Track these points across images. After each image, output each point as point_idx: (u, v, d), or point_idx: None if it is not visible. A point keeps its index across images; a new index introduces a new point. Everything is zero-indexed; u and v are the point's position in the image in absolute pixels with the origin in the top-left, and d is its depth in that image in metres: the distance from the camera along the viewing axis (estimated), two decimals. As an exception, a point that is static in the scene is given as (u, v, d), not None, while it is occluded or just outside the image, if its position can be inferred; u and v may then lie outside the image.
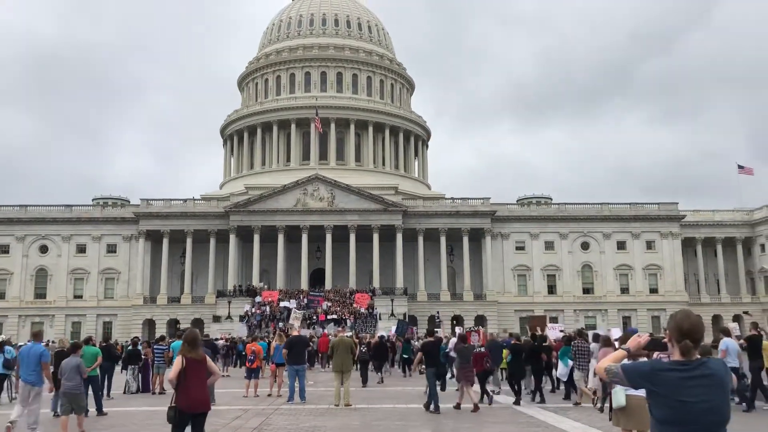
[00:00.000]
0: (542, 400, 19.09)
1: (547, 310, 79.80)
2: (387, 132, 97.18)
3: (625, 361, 4.15)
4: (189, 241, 78.06)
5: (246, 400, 20.93)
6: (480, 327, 56.78)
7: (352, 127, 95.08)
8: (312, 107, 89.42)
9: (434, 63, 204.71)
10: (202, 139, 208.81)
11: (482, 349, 20.28)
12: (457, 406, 17.68)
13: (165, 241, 78.00)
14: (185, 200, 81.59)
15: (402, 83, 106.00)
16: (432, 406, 17.10)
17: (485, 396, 18.70)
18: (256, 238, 77.14)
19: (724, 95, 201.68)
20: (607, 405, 13.08)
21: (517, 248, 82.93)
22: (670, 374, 3.76)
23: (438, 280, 79.30)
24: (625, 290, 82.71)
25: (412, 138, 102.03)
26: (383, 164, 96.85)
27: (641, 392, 9.26)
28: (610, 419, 10.02)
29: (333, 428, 14.53)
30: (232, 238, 78.11)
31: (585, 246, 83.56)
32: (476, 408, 17.03)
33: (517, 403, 18.47)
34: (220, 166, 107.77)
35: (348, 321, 61.62)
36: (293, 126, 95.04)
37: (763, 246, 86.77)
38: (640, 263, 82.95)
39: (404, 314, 69.77)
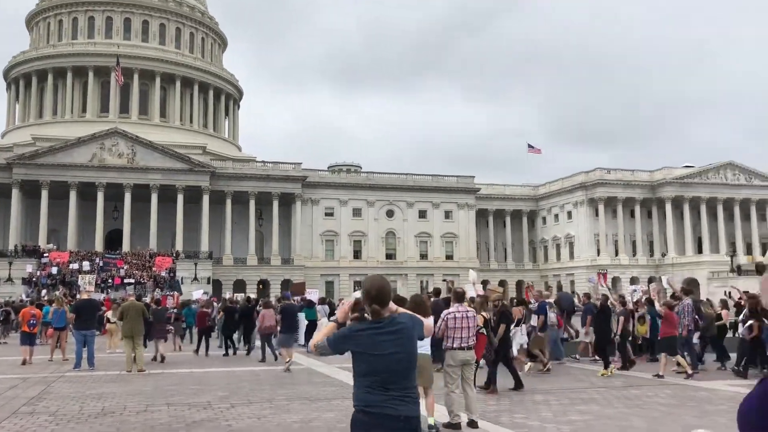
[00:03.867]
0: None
1: (352, 274, 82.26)
2: (196, 88, 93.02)
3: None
4: (-38, 195, 69.41)
5: (26, 368, 19.18)
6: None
7: (158, 80, 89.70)
8: (113, 55, 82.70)
9: (254, 22, 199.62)
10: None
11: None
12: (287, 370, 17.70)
13: (-69, 194, 68.62)
14: (-42, 148, 72.17)
15: (214, 38, 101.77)
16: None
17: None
18: (44, 194, 70.53)
19: (526, 78, 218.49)
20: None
21: (327, 214, 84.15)
22: (366, 333, 4.23)
23: (246, 245, 78.16)
24: (424, 256, 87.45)
25: (223, 96, 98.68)
26: (191, 122, 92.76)
27: (426, 350, 9.80)
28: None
29: (122, 394, 13.76)
30: (15, 192, 70.67)
31: (390, 214, 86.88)
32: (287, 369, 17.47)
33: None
34: (2, 112, 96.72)
35: (147, 285, 58.75)
36: (91, 74, 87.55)
37: (544, 219, 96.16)
38: (439, 231, 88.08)
39: (208, 278, 68.01)
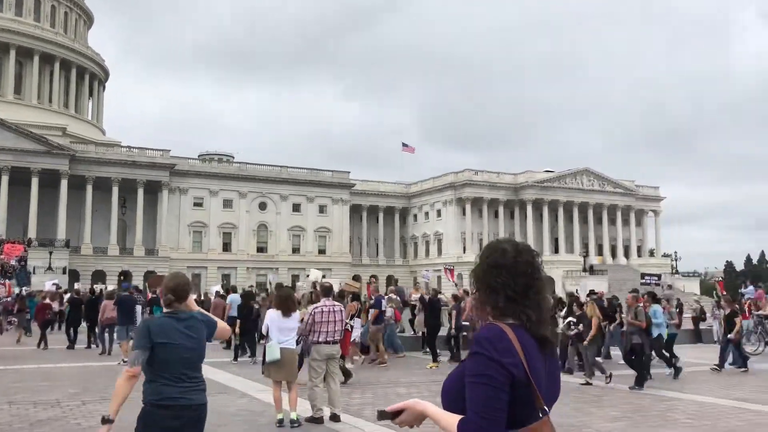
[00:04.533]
0: None
1: (221, 267, 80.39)
2: (57, 65, 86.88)
3: None
4: None
5: None
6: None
7: (13, 53, 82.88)
8: (-39, 23, 75.53)
9: (126, 1, 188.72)
10: None
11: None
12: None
13: None
14: None
15: (79, 14, 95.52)
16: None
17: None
18: None
19: (404, 79, 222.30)
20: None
21: (195, 204, 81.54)
22: (165, 322, 4.39)
23: (107, 234, 74.12)
24: (296, 250, 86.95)
25: (87, 76, 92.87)
26: (50, 101, 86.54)
27: (292, 345, 9.75)
28: (263, 372, 10.33)
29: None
30: None
31: (263, 206, 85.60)
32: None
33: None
34: None
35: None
36: (-67, 42, 79.56)
37: (416, 216, 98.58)
38: (313, 225, 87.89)
39: (64, 268, 63.88)
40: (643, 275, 24.55)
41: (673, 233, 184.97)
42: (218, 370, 16.03)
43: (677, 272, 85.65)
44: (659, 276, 23.56)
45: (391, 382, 14.44)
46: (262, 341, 12.63)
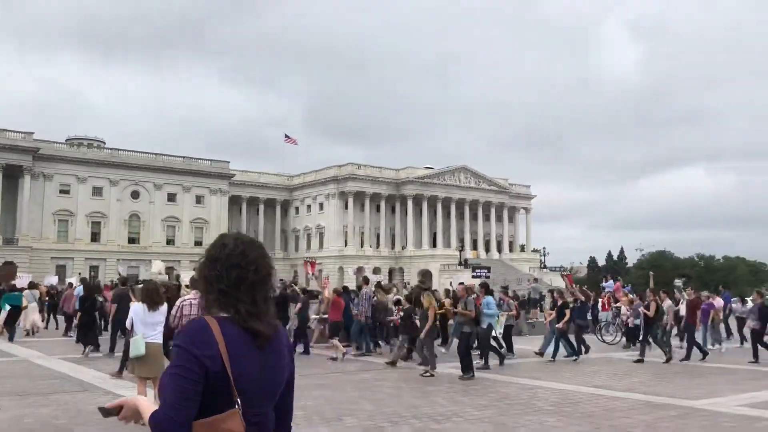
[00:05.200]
0: None
1: (89, 258, 76.20)
2: None
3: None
4: None
5: None
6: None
7: None
8: None
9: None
10: None
11: None
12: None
13: None
14: None
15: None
16: None
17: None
18: None
19: (288, 69, 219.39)
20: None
21: (62, 191, 76.64)
22: None
23: (-42, 220, 68.14)
24: (171, 242, 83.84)
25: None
26: None
27: (158, 339, 9.30)
28: (126, 368, 9.80)
29: None
30: None
31: (135, 195, 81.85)
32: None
33: None
34: None
35: None
36: None
37: (297, 209, 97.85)
38: (189, 216, 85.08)
39: None
40: (473, 268, 25.63)
41: (542, 230, 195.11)
42: (80, 367, 15.12)
43: (545, 267, 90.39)
44: (488, 268, 24.66)
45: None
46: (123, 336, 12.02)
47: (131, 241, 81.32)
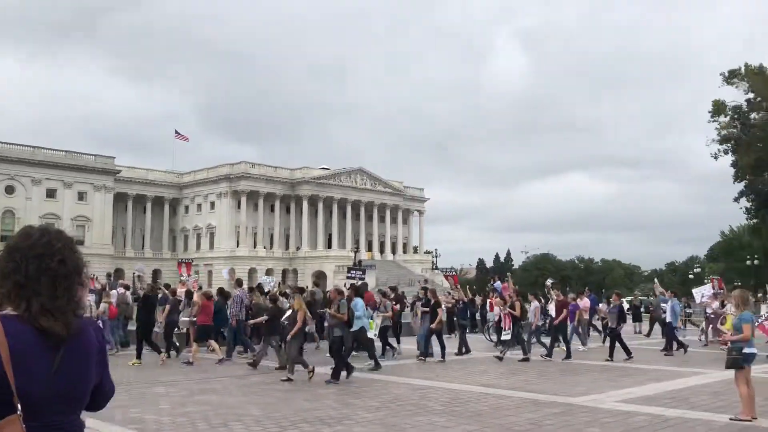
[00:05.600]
0: None
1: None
2: None
3: None
4: None
5: None
6: None
7: None
8: None
9: None
10: None
11: None
12: None
13: None
14: None
15: None
16: None
17: None
18: None
19: (180, 64, 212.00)
20: None
21: (-77, 184, 70.49)
22: None
23: None
24: (49, 240, 79.00)
25: None
26: None
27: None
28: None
29: None
30: None
31: (10, 190, 76.60)
32: None
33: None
34: None
35: None
36: None
37: (187, 207, 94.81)
38: (70, 214, 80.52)
39: None
40: (349, 269, 25.62)
41: (434, 232, 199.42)
42: None
43: (437, 268, 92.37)
44: (364, 270, 24.74)
45: (149, 382, 13.52)
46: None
47: (4, 238, 75.82)
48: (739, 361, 9.65)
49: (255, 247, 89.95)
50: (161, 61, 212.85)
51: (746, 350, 9.70)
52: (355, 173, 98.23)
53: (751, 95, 59.21)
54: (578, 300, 22.68)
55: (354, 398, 11.66)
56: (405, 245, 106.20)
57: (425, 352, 18.03)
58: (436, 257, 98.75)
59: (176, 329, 18.81)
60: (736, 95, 60.05)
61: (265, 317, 16.45)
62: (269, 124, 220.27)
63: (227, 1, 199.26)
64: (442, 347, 18.11)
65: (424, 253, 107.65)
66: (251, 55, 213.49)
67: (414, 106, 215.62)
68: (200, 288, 21.49)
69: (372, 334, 16.53)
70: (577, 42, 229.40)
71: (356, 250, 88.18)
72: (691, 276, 72.71)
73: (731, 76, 58.92)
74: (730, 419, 9.55)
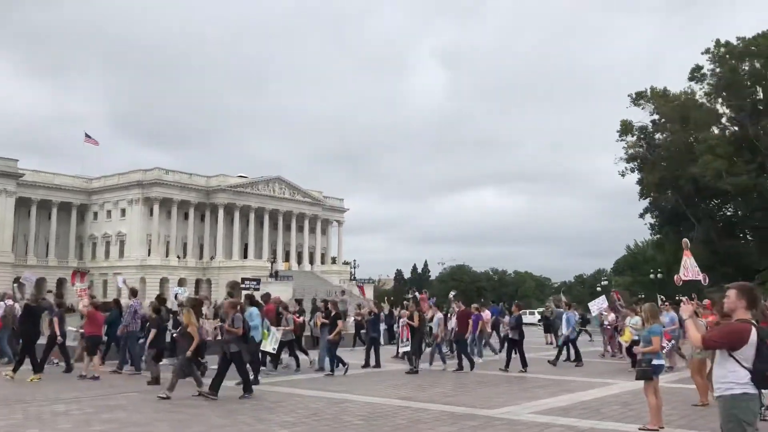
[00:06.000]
0: None
1: None
2: None
3: None
4: None
5: None
6: None
7: None
8: None
9: None
10: None
11: None
12: None
13: None
14: None
15: None
16: None
17: None
18: None
19: (92, 65, 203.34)
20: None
21: None
22: None
23: None
24: (-58, 246, 73.98)
25: None
26: None
27: None
28: None
29: None
30: None
31: None
32: None
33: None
34: None
35: None
36: None
37: (96, 214, 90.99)
38: (-34, 218, 75.74)
39: None
40: (243, 279, 25.29)
41: (353, 242, 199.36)
42: None
43: (355, 279, 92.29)
44: (258, 281, 24.49)
45: (48, 399, 12.66)
46: None
47: None
48: (648, 372, 9.97)
49: (167, 256, 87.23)
50: (72, 60, 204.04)
51: (655, 362, 10.05)
52: (273, 182, 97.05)
53: (656, 116, 62.44)
54: (481, 311, 23.11)
55: (269, 413, 11.31)
56: (323, 256, 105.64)
57: (332, 364, 17.63)
58: (355, 268, 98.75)
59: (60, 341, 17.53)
60: (643, 116, 63.24)
61: (153, 331, 15.55)
62: (186, 130, 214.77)
63: (142, 4, 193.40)
64: (332, 360, 17.73)
65: (343, 263, 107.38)
66: (170, 59, 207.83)
67: (334, 118, 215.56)
68: (93, 297, 20.37)
69: (270, 347, 16.05)
70: (488, 61, 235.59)
71: (273, 260, 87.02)
72: (598, 288, 75.77)
73: (638, 98, 61.97)
74: (639, 429, 9.82)
